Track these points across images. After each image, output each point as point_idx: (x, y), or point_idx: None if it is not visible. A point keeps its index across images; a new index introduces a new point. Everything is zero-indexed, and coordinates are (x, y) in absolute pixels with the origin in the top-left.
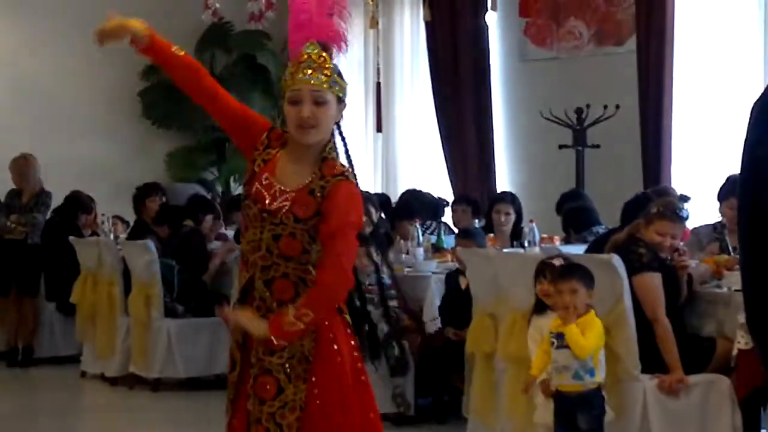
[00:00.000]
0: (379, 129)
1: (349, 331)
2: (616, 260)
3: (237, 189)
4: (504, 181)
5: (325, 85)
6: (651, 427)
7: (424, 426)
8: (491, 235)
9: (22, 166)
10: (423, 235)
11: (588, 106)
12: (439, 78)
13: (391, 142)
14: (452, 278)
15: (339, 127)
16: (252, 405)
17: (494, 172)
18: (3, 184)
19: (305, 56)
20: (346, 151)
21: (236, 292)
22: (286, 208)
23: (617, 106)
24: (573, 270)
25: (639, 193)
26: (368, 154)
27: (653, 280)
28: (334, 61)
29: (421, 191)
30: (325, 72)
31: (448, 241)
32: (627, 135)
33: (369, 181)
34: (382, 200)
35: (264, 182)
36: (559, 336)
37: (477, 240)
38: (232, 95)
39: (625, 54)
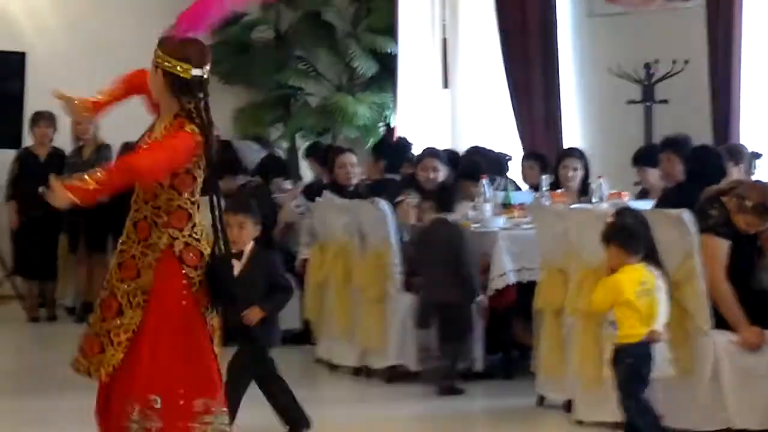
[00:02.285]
0: (445, 85)
1: (184, 281)
2: (687, 216)
3: (304, 144)
4: (571, 136)
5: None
6: (722, 383)
7: (492, 382)
8: (559, 190)
9: (82, 120)
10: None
11: (656, 61)
12: (506, 33)
13: (458, 98)
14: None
15: (183, 92)
16: (94, 320)
17: (561, 127)
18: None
19: None
20: (196, 113)
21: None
22: None
23: (686, 61)
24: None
25: (697, 148)
26: (435, 111)
27: (714, 243)
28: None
29: (484, 148)
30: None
31: (516, 197)
32: (696, 90)
33: (436, 138)
34: (449, 157)
35: (143, 141)
36: None
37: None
38: (297, 52)
39: (694, 8)
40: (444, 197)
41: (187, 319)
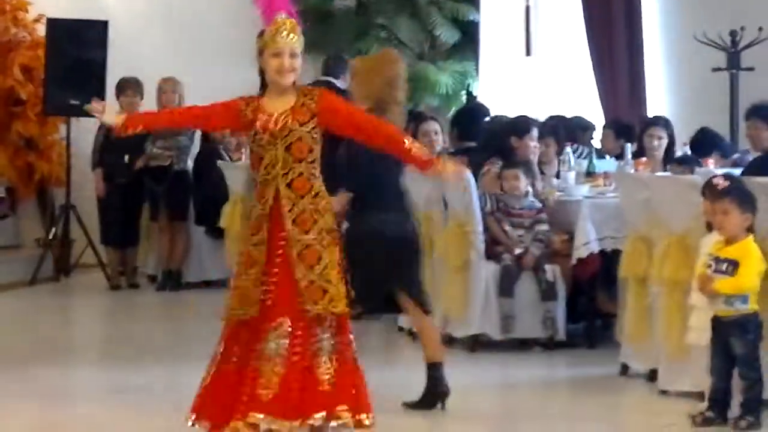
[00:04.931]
0: (528, 53)
1: None
2: None
3: None
4: (655, 104)
5: (297, 43)
6: None
7: (575, 350)
8: (643, 159)
9: (166, 89)
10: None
11: (742, 28)
12: (589, 0)
13: (541, 66)
14: None
15: None
16: (301, 272)
17: (645, 95)
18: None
19: (280, 23)
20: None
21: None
22: (290, 119)
23: None
24: (726, 191)
25: None
26: (517, 79)
27: None
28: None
29: (565, 117)
30: (297, 33)
31: (600, 166)
32: None
33: (518, 106)
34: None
35: (263, 118)
36: (717, 260)
37: None
38: (379, 20)
39: None
40: None
41: None
